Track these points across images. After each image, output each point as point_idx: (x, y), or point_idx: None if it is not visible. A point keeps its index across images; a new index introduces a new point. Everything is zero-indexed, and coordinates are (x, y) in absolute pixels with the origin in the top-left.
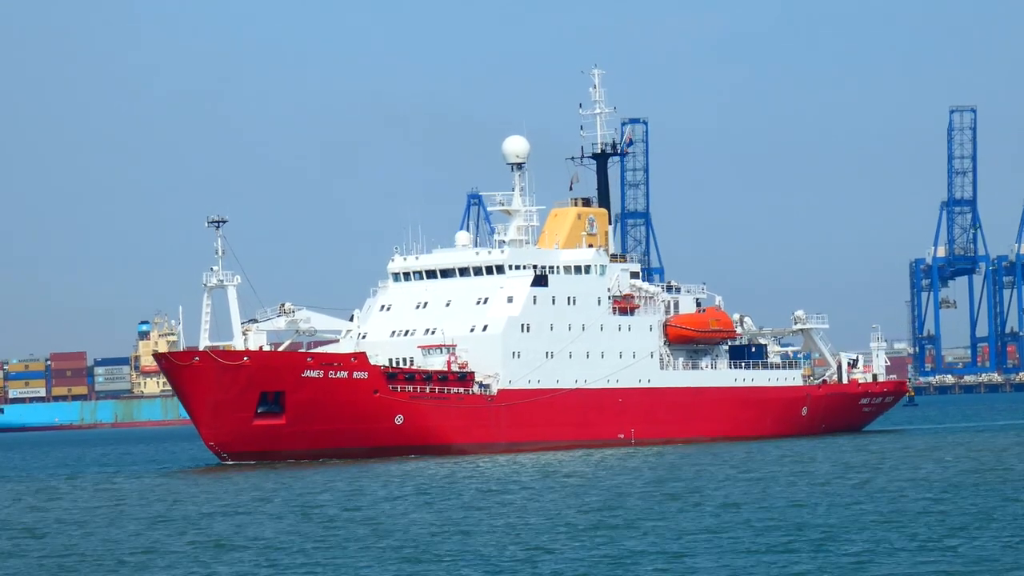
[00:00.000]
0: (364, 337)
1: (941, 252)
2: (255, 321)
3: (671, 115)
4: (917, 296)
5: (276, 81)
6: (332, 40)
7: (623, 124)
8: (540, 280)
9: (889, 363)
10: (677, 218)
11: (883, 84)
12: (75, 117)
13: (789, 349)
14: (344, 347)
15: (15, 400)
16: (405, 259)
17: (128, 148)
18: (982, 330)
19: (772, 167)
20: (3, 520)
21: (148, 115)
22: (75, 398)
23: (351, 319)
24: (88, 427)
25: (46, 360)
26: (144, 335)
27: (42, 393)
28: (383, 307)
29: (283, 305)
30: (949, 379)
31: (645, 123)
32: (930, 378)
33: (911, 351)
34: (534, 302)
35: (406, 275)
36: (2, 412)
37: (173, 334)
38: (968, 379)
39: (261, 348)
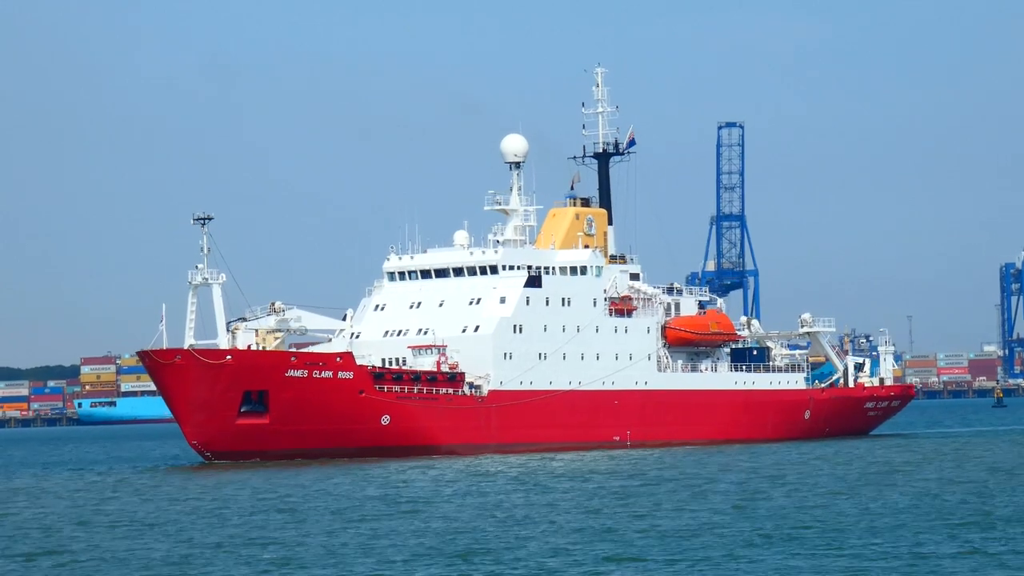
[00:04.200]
0: (358, 337)
1: None
2: (244, 320)
3: (763, 119)
4: (1007, 299)
5: (270, 77)
6: (326, 36)
7: (719, 128)
8: (534, 281)
9: (896, 367)
10: (770, 220)
11: (973, 88)
12: (57, 112)
13: (797, 352)
14: (336, 347)
15: (127, 394)
16: (400, 258)
17: (122, 144)
18: None
19: (861, 172)
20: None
21: (136, 110)
22: None
23: (344, 318)
24: None
25: None
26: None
27: (153, 387)
28: (377, 307)
29: (273, 304)
30: None
31: (741, 127)
32: (1019, 380)
33: (1000, 353)
34: (527, 303)
35: (401, 275)
36: (115, 405)
37: (280, 330)
38: None
39: (249, 347)
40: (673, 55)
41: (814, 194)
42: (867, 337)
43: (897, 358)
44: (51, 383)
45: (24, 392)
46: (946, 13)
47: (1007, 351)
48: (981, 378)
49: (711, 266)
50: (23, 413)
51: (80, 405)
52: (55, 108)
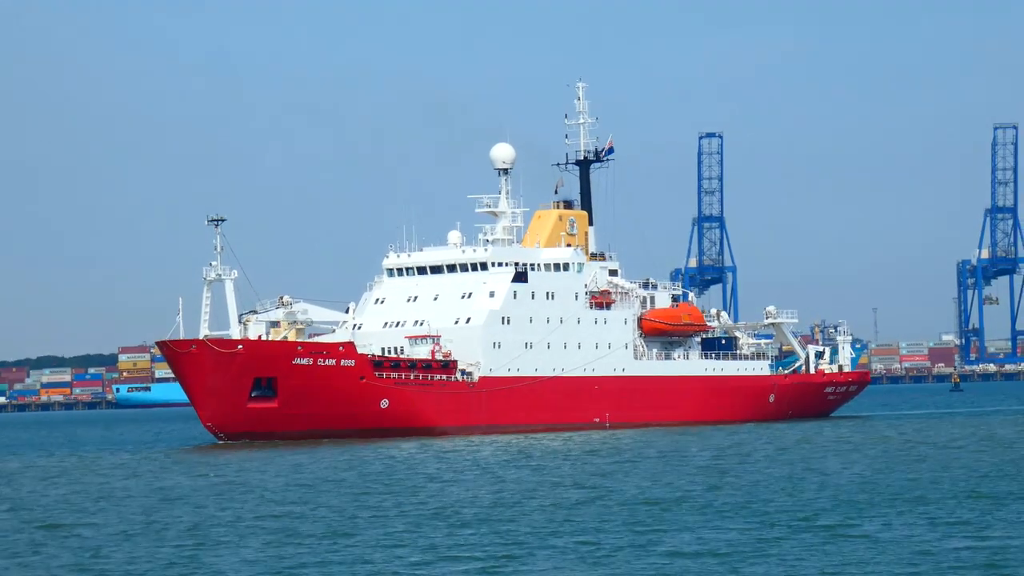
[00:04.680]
0: (359, 328)
1: (985, 254)
2: (255, 312)
3: (741, 127)
4: (963, 293)
5: (276, 84)
6: (330, 45)
7: (700, 137)
8: (520, 276)
9: (854, 355)
10: (747, 221)
11: (933, 98)
12: (77, 117)
13: (763, 342)
14: (339, 337)
15: (161, 380)
16: (399, 256)
17: (134, 146)
18: (1022, 324)
19: (832, 177)
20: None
21: (150, 113)
22: None
23: (346, 311)
24: None
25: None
26: (275, 323)
27: None
28: (378, 300)
29: (282, 298)
30: (992, 368)
31: (720, 136)
32: (974, 367)
33: (958, 342)
34: (514, 296)
35: (399, 271)
36: (149, 390)
37: (301, 323)
38: (1009, 368)
39: (260, 338)
40: (651, 69)
41: (789, 196)
42: (836, 327)
43: (863, 346)
44: (91, 370)
45: (67, 378)
46: (902, 29)
47: (963, 340)
48: (940, 365)
49: (693, 263)
50: (66, 397)
51: (118, 390)
52: (98, 122)
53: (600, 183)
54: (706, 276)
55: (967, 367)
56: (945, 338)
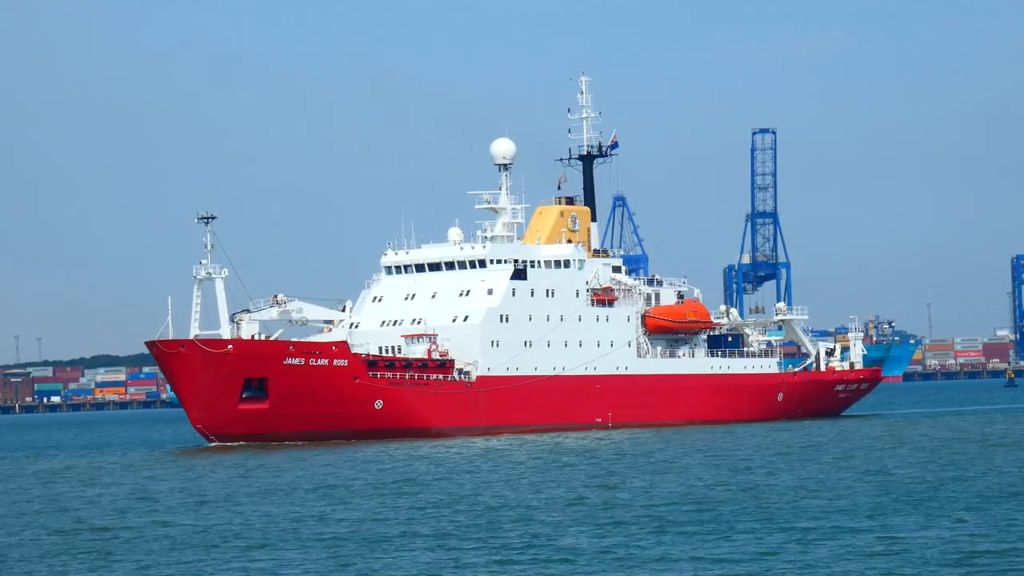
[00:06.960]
0: (357, 327)
1: None
2: (247, 311)
3: (799, 123)
4: (1018, 288)
5: (271, 81)
6: (326, 38)
7: (753, 133)
8: (519, 273)
9: (866, 352)
10: (800, 217)
11: (988, 92)
12: (66, 113)
13: (774, 338)
14: (335, 336)
15: None
16: (396, 253)
17: (125, 144)
18: None
19: (885, 172)
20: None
21: (142, 110)
22: None
23: (343, 310)
24: None
25: None
26: (328, 322)
27: None
28: (375, 298)
29: (276, 296)
30: None
31: (774, 132)
32: None
33: (1012, 337)
34: (513, 294)
35: (397, 268)
36: None
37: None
38: None
39: (253, 337)
40: (657, 65)
41: (841, 192)
42: (889, 323)
43: (917, 342)
44: (146, 369)
45: (122, 377)
46: (951, 23)
47: (1018, 335)
48: (995, 360)
49: (747, 259)
50: (121, 396)
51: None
52: (126, 120)
53: (635, 179)
54: (760, 272)
55: (1022, 362)
56: (1000, 333)
